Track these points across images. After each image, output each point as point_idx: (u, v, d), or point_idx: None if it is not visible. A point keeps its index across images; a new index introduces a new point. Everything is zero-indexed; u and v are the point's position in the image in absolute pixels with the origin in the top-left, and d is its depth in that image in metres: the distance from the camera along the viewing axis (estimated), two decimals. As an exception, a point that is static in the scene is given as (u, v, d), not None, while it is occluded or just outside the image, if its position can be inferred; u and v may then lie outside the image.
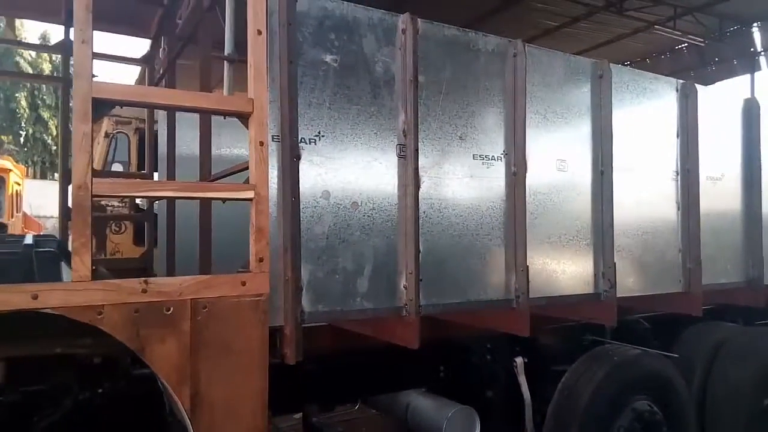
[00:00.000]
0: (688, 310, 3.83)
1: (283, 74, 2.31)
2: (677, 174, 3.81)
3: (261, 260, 2.16)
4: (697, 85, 3.90)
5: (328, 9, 2.48)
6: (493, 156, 2.95)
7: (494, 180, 2.96)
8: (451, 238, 2.81)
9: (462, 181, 2.84)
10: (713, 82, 12.09)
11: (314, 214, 2.41)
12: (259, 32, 2.17)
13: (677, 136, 3.81)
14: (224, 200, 2.22)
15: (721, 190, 4.07)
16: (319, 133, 2.42)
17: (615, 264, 3.35)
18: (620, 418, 3.60)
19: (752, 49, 10.47)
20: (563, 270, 3.28)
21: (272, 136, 2.30)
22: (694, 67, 11.37)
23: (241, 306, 2.14)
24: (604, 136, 3.36)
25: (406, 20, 2.64)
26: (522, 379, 3.88)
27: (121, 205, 6.06)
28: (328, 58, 2.46)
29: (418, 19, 2.69)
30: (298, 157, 2.36)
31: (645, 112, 3.67)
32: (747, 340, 4.53)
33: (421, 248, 2.67)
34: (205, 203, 3.04)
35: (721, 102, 4.20)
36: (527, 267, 2.99)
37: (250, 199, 2.13)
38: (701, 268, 3.79)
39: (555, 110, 3.23)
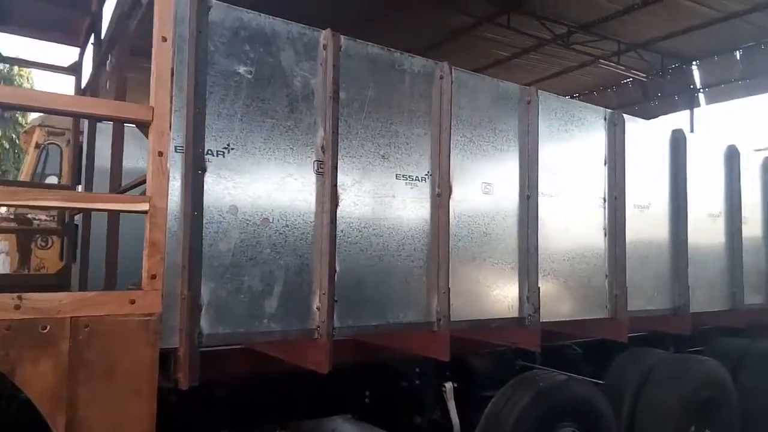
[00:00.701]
0: (614, 336, 3.86)
1: (191, 83, 2.23)
2: (605, 201, 3.87)
3: (153, 277, 2.04)
4: (625, 116, 3.99)
5: (244, 20, 2.42)
6: (417, 176, 2.92)
7: (418, 201, 2.92)
8: (371, 259, 2.75)
9: (384, 200, 2.79)
10: (656, 116, 12.59)
11: (219, 229, 2.31)
12: (164, 39, 2.09)
13: (605, 164, 3.88)
14: (119, 212, 2.10)
15: (648, 218, 4.15)
16: (228, 145, 2.34)
17: (539, 289, 3.35)
18: (545, 444, 3.58)
19: (692, 86, 10.93)
20: (487, 294, 3.25)
21: (176, 146, 2.21)
22: (639, 101, 11.81)
23: (129, 326, 2.01)
24: (531, 161, 3.38)
25: (328, 36, 2.60)
26: (451, 405, 3.82)
27: (48, 218, 5.77)
28: (242, 69, 2.39)
29: (341, 36, 2.65)
30: (203, 170, 2.26)
31: (573, 140, 3.72)
32: (674, 366, 4.59)
33: (337, 268, 2.59)
34: (113, 216, 2.90)
35: (649, 132, 4.31)
36: (449, 290, 2.94)
37: (145, 212, 2.02)
38: (627, 295, 3.83)
39: (482, 134, 3.24)
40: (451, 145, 3.01)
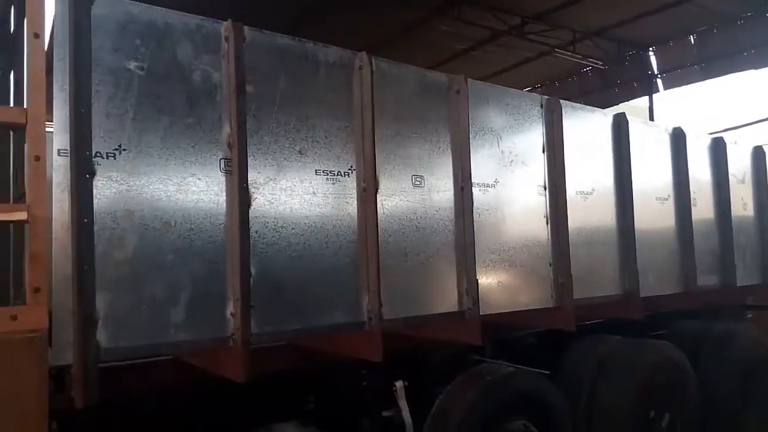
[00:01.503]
0: (561, 325, 3.79)
1: (72, 83, 2.08)
2: (545, 189, 3.79)
3: (37, 290, 1.89)
4: (563, 102, 3.93)
5: (133, 13, 2.28)
6: (339, 171, 2.80)
7: (341, 196, 2.81)
8: (291, 259, 2.63)
9: (303, 197, 2.67)
10: (617, 104, 12.65)
11: (113, 237, 2.16)
12: (36, 35, 1.95)
13: (544, 152, 3.80)
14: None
15: (592, 204, 4.09)
16: (119, 146, 2.19)
17: (478, 281, 3.26)
18: (494, 438, 3.49)
19: (649, 72, 11.00)
20: (423, 289, 3.16)
21: (59, 150, 2.06)
22: (599, 89, 11.85)
23: (12, 343, 1.86)
24: (463, 151, 3.28)
25: (229, 27, 2.47)
26: (403, 404, 3.71)
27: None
28: (133, 65, 2.25)
29: (245, 27, 2.52)
30: (92, 173, 2.12)
31: (509, 128, 3.64)
32: (629, 352, 4.54)
33: (252, 271, 2.46)
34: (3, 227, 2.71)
35: (589, 118, 4.25)
36: (379, 287, 2.83)
37: (24, 221, 1.87)
38: (572, 282, 3.76)
39: (410, 125, 3.14)
40: (376, 138, 2.90)
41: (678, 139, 4.81)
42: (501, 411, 3.56)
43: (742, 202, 5.55)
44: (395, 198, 3.01)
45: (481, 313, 3.29)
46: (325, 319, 2.75)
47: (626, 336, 4.79)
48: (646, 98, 11.80)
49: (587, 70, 11.54)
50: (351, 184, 2.84)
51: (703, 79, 10.75)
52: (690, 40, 10.23)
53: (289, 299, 2.63)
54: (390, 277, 2.95)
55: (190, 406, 3.14)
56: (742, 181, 5.57)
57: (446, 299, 3.25)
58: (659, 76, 11.01)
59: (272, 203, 2.57)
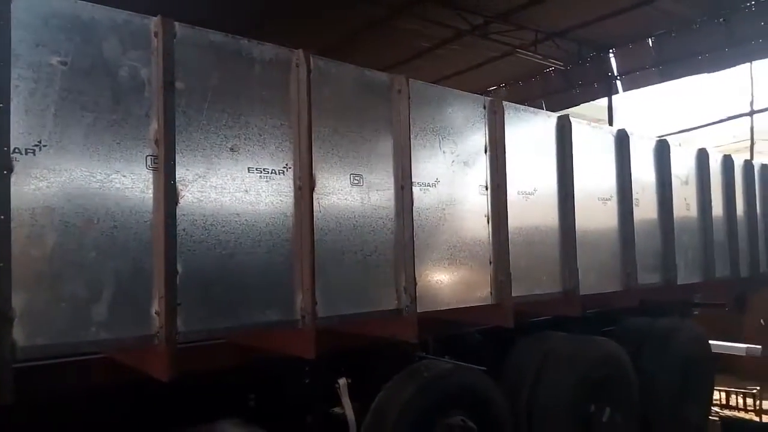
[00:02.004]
0: (500, 322, 3.86)
1: (-12, 77, 2.05)
2: (487, 189, 3.86)
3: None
4: (506, 103, 4.00)
5: (56, 7, 2.25)
6: (273, 170, 2.81)
7: (275, 195, 2.82)
8: (221, 258, 2.63)
9: (234, 195, 2.67)
10: (578, 104, 12.89)
11: (32, 234, 2.14)
12: (-54, 27, 1.90)
13: (486, 152, 3.87)
14: None
15: (534, 204, 4.18)
16: (39, 142, 2.17)
17: (416, 279, 3.31)
18: (431, 433, 3.56)
19: (609, 73, 11.23)
20: (361, 287, 3.19)
21: (-27, 146, 2.03)
22: (561, 89, 12.05)
23: None
24: (403, 151, 3.32)
25: (158, 23, 2.46)
26: (345, 401, 3.75)
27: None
28: (55, 60, 2.22)
29: (175, 23, 2.51)
30: (9, 170, 2.09)
31: (451, 128, 3.69)
32: (572, 348, 4.67)
33: (179, 269, 2.46)
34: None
35: (533, 120, 4.34)
36: (314, 286, 2.86)
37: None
38: (512, 280, 3.84)
39: (349, 124, 3.16)
40: (314, 136, 2.92)
41: (622, 141, 4.94)
42: (439, 407, 3.63)
43: (686, 202, 5.73)
44: (333, 196, 3.04)
45: (419, 311, 3.35)
46: (258, 317, 2.76)
47: (575, 333, 4.93)
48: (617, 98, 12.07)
49: (550, 71, 11.72)
50: (286, 182, 2.85)
51: (661, 82, 11.02)
52: (648, 43, 10.47)
53: (220, 297, 2.64)
54: (326, 275, 2.97)
55: (128, 404, 3.14)
56: (686, 183, 5.75)
57: (384, 297, 3.29)
58: (618, 77, 11.24)
59: (201, 201, 2.57)
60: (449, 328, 3.97)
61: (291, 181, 2.87)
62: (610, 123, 11.47)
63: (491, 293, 3.85)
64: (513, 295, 3.87)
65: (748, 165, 6.94)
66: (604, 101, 11.83)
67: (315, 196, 2.92)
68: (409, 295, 3.30)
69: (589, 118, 12.21)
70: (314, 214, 2.89)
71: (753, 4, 9.25)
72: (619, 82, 11.35)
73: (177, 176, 2.48)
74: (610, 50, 11.01)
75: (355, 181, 3.14)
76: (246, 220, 2.70)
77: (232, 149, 2.68)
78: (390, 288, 3.31)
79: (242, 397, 3.61)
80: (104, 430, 3.11)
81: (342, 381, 3.75)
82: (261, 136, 2.78)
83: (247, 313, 2.74)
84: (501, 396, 3.99)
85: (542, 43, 10.19)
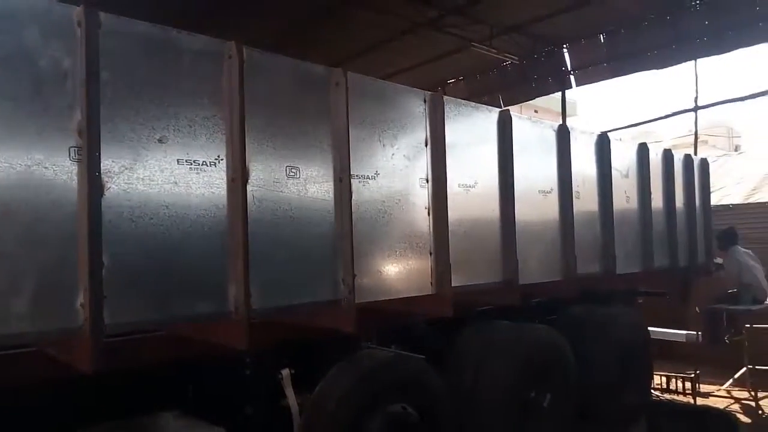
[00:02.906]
0: (440, 312, 3.94)
1: None
2: (427, 181, 3.93)
3: None
4: (446, 98, 4.07)
5: (-30, -6, 2.20)
6: (204, 161, 2.81)
7: (206, 187, 2.82)
8: (150, 250, 2.62)
9: (163, 187, 2.66)
10: (534, 98, 13.16)
11: (-56, 225, 2.10)
12: None
13: (426, 146, 3.94)
14: None
15: (474, 197, 4.27)
16: (-46, 133, 2.12)
17: (354, 270, 3.35)
18: (370, 423, 3.61)
19: (563, 68, 11.47)
20: (298, 278, 3.22)
21: None
22: (517, 83, 12.25)
23: None
24: (341, 144, 3.35)
25: (80, 12, 2.42)
26: (289, 392, 3.77)
27: None
28: (-31, 49, 2.17)
29: (100, 12, 2.48)
30: None
31: (391, 121, 3.74)
32: (513, 335, 4.80)
33: (105, 261, 2.44)
34: None
35: (474, 114, 4.42)
36: (247, 277, 2.87)
37: None
38: (451, 271, 3.92)
39: (285, 116, 3.17)
40: (247, 128, 2.92)
41: (563, 135, 5.08)
42: (379, 395, 3.69)
43: (626, 195, 5.94)
44: (267, 188, 3.05)
45: (358, 302, 3.40)
46: (189, 309, 2.77)
47: (519, 321, 5.07)
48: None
49: (506, 65, 11.89)
50: (218, 174, 2.85)
51: (612, 77, 11.31)
52: (600, 39, 10.72)
53: (149, 289, 2.63)
54: (261, 267, 2.98)
55: (63, 397, 3.10)
56: (626, 176, 5.96)
57: (323, 288, 3.33)
58: (572, 72, 11.50)
59: (128, 193, 2.55)
60: (390, 319, 4.02)
61: (224, 173, 2.87)
62: (564, 116, 11.74)
63: (431, 283, 3.92)
64: (453, 285, 3.96)
65: (687, 159, 7.21)
66: (570, 95, 12.04)
67: (249, 188, 2.92)
68: (347, 287, 3.35)
69: (553, 111, 12.50)
70: (248, 206, 2.90)
71: (698, 4, 9.57)
72: (572, 77, 11.59)
73: (102, 168, 2.45)
74: (564, 45, 11.24)
75: (291, 174, 3.16)
76: (176, 212, 2.69)
77: (160, 141, 2.66)
78: (328, 279, 3.35)
79: (182, 389, 3.60)
80: (37, 424, 3.07)
81: (285, 372, 3.77)
82: (191, 127, 2.77)
83: (178, 306, 2.74)
84: (442, 383, 4.07)
85: (498, 37, 10.32)
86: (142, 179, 2.59)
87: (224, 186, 2.87)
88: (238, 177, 2.86)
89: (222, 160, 2.87)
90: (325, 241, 3.33)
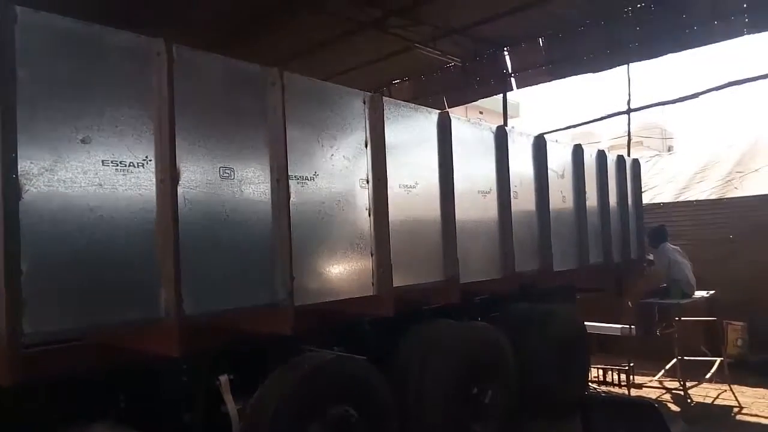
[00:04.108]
0: (381, 312, 3.96)
1: None
2: (368, 182, 3.93)
3: None
4: (386, 99, 4.09)
5: None
6: (131, 162, 2.71)
7: (134, 188, 2.72)
8: (73, 254, 2.51)
9: (86, 189, 2.55)
10: (476, 99, 13.38)
11: None
12: None
13: (366, 146, 3.94)
14: None
15: (415, 197, 4.31)
16: None
17: (292, 272, 3.31)
18: (312, 426, 3.58)
19: (504, 71, 11.71)
20: (235, 281, 3.15)
21: None
22: (461, 85, 12.41)
23: None
24: (278, 144, 3.31)
25: (-7, 6, 2.29)
26: (228, 398, 3.69)
27: None
28: None
29: (15, 6, 2.35)
30: None
31: (330, 122, 3.72)
32: (452, 334, 4.86)
33: (24, 267, 2.32)
34: None
35: (414, 116, 4.45)
36: (178, 280, 2.79)
37: None
38: (392, 271, 3.94)
39: (218, 116, 3.11)
40: (178, 128, 2.84)
41: (501, 137, 5.20)
42: (321, 398, 3.66)
43: (562, 195, 6.13)
44: (200, 190, 2.97)
45: (298, 304, 3.36)
46: (117, 315, 2.67)
47: (463, 320, 5.14)
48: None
49: (450, 66, 12.02)
50: (146, 176, 2.76)
51: (551, 80, 11.62)
52: (539, 42, 11.01)
53: (74, 296, 2.52)
54: (194, 271, 2.91)
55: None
56: (562, 176, 6.15)
57: (260, 292, 3.28)
58: (513, 75, 11.75)
59: (49, 196, 2.43)
60: (331, 321, 4.00)
61: (152, 175, 2.78)
62: (505, 118, 11.99)
63: (372, 284, 3.93)
64: (394, 285, 3.98)
65: (620, 159, 7.52)
66: (513, 97, 12.25)
67: (179, 189, 2.85)
68: (286, 289, 3.31)
69: (498, 113, 12.72)
70: (179, 208, 2.82)
71: (630, 11, 9.96)
72: (513, 79, 11.85)
73: (20, 170, 2.33)
74: (505, 48, 11.47)
75: (225, 174, 3.10)
76: (101, 215, 2.59)
77: (83, 141, 2.55)
78: (266, 282, 3.30)
79: (113, 398, 3.46)
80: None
81: (223, 378, 3.69)
82: (117, 127, 2.67)
83: (106, 312, 2.64)
84: (385, 384, 4.08)
85: (441, 39, 10.42)
86: (64, 181, 2.48)
87: (153, 187, 2.78)
88: (167, 178, 2.78)
89: (150, 161, 2.78)
90: (262, 243, 3.28)
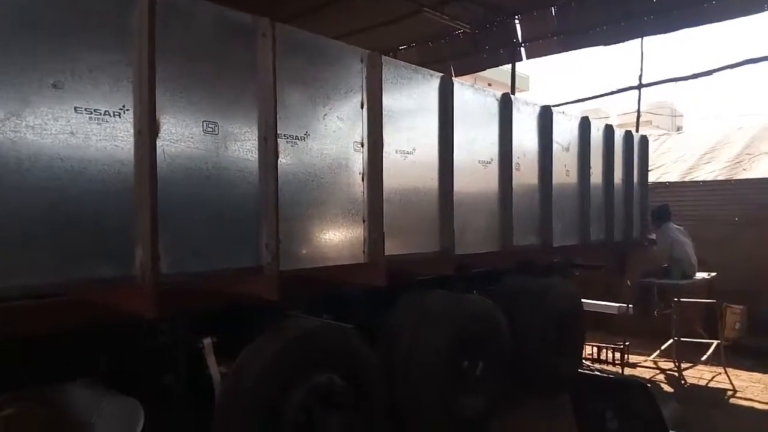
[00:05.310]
0: (372, 281, 3.82)
1: None
2: (362, 146, 3.76)
3: None
4: (386, 58, 3.88)
5: None
6: (106, 111, 2.54)
7: (109, 139, 2.56)
8: (42, 207, 2.36)
9: (57, 137, 2.39)
10: (484, 68, 13.05)
11: None
12: None
13: (362, 108, 3.75)
14: None
15: (412, 164, 4.14)
16: None
17: (278, 235, 3.17)
18: (295, 394, 3.48)
19: (514, 40, 11.37)
20: (217, 242, 3.01)
21: None
22: (470, 52, 12.07)
23: None
24: (267, 100, 3.12)
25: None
26: (211, 360, 3.60)
27: None
28: None
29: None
30: None
31: (325, 79, 3.53)
32: (447, 305, 4.73)
33: (-14, 219, 2.18)
34: None
35: (415, 78, 4.24)
36: (154, 239, 2.64)
37: None
38: (384, 239, 3.80)
39: (203, 66, 2.92)
40: (159, 77, 2.66)
41: (506, 105, 5.00)
42: (305, 365, 3.56)
43: (566, 168, 5.95)
44: (181, 144, 2.81)
45: (283, 269, 3.23)
46: (89, 272, 2.54)
47: (457, 291, 5.01)
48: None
49: (459, 33, 11.68)
50: (123, 126, 2.59)
51: (562, 51, 11.29)
52: (551, 11, 10.65)
53: (42, 250, 2.38)
54: (173, 229, 2.77)
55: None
56: (567, 150, 5.96)
57: (244, 254, 3.15)
58: (523, 44, 11.41)
59: (15, 142, 2.27)
60: (319, 287, 3.87)
61: (129, 125, 2.61)
62: (513, 89, 11.68)
63: (364, 251, 3.80)
64: (387, 254, 3.84)
65: (628, 135, 7.30)
66: (523, 70, 11.92)
67: (159, 142, 2.68)
68: (271, 252, 3.17)
69: (507, 85, 12.40)
70: (158, 162, 2.66)
71: (646, -19, 9.59)
72: (523, 49, 11.52)
73: (-18, 114, 2.16)
74: (516, 17, 11.11)
75: (209, 129, 2.93)
76: (72, 165, 2.43)
77: (54, 86, 2.38)
78: (250, 244, 3.16)
79: (92, 358, 3.36)
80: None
81: (207, 341, 3.59)
82: (91, 72, 2.49)
83: (76, 269, 2.51)
84: (372, 354, 3.98)
85: (450, 3, 10.09)
86: (33, 128, 2.32)
87: (130, 139, 2.61)
88: (146, 130, 2.61)
89: (128, 110, 2.61)
90: (247, 203, 3.13)
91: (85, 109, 2.46)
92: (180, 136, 2.80)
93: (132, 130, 2.62)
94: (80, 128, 2.45)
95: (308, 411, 3.51)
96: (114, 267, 2.60)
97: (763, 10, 8.27)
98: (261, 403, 3.33)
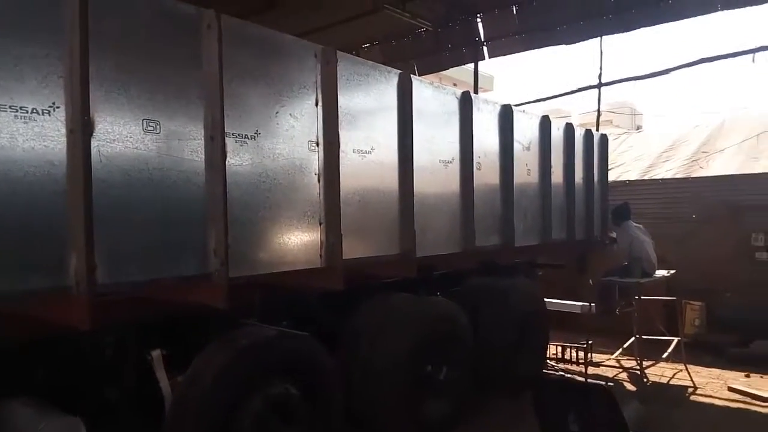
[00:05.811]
0: (330, 285, 3.69)
1: None
2: (318, 145, 3.62)
3: None
4: (342, 54, 3.74)
5: None
6: (34, 109, 2.34)
7: (37, 139, 2.36)
8: (-41, 212, 2.15)
9: (-24, 138, 2.18)
10: (447, 68, 13.02)
11: None
12: None
13: (317, 105, 3.61)
14: None
15: (371, 164, 4.02)
16: None
17: (227, 240, 3.00)
18: (249, 404, 3.33)
19: (477, 39, 11.37)
20: (159, 249, 2.83)
21: None
22: (432, 51, 12.02)
23: None
24: (213, 96, 2.96)
25: None
26: (161, 374, 3.41)
27: None
28: None
29: None
30: None
31: (276, 75, 3.38)
32: (409, 308, 4.62)
33: None
34: None
35: (372, 75, 4.11)
36: (90, 247, 2.45)
37: None
38: (342, 242, 3.66)
39: (142, 60, 2.73)
40: (93, 72, 2.47)
41: (466, 104, 4.92)
42: (258, 376, 3.40)
43: (527, 168, 5.91)
44: (118, 144, 2.62)
45: (234, 275, 3.06)
46: (18, 283, 2.33)
47: (420, 294, 4.90)
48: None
49: (422, 32, 11.61)
50: (53, 125, 2.40)
51: (524, 50, 11.32)
52: (512, 10, 10.68)
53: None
54: (111, 235, 2.59)
55: None
56: (528, 149, 5.93)
57: (190, 260, 2.97)
58: (485, 43, 11.42)
59: (-74, 142, 2.06)
60: (273, 294, 3.70)
61: (60, 124, 2.41)
62: (476, 88, 11.67)
63: (321, 255, 3.66)
64: (345, 257, 3.71)
65: (588, 134, 7.33)
66: (487, 70, 11.93)
67: (94, 142, 2.49)
68: (219, 258, 3.00)
69: (472, 85, 12.39)
70: (92, 163, 2.47)
71: (604, -19, 9.69)
72: (485, 48, 11.53)
73: None
74: (478, 15, 11.11)
75: (150, 128, 2.74)
76: (-6, 167, 2.23)
77: (-28, 80, 2.17)
78: (197, 251, 2.99)
79: (30, 373, 3.13)
80: None
81: (155, 353, 3.41)
82: (17, 67, 2.29)
83: (4, 280, 2.30)
84: (330, 361, 3.84)
85: (412, 1, 10.02)
86: (-53, 126, 2.11)
87: (61, 139, 2.42)
88: (78, 129, 2.42)
89: (58, 107, 2.41)
90: (192, 207, 2.95)
91: (10, 107, 2.27)
92: (117, 135, 2.61)
93: (63, 129, 2.42)
94: (4, 127, 2.25)
95: (263, 423, 3.36)
96: (46, 277, 2.40)
97: (716, 10, 8.43)
98: (212, 416, 3.16)
